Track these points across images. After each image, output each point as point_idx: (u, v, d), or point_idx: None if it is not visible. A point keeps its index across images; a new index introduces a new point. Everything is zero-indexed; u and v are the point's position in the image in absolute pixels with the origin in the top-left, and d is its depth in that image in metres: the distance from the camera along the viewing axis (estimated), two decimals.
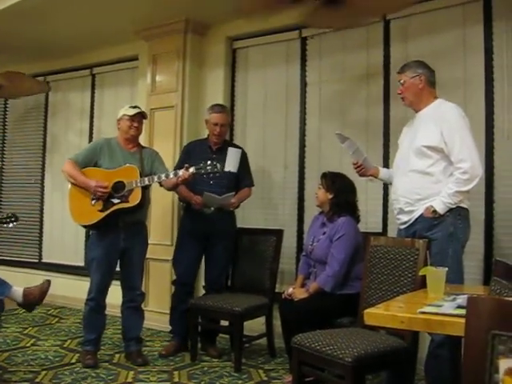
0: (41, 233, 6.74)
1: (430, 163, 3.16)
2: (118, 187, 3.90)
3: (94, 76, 6.42)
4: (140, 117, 4.12)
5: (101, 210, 3.90)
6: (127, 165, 3.98)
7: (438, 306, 2.12)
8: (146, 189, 3.98)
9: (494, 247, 3.85)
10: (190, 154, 4.41)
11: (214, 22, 5.25)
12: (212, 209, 4.29)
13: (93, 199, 3.93)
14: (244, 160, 4.47)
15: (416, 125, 3.33)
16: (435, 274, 2.51)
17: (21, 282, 5.89)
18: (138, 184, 3.86)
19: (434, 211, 3.10)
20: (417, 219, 3.22)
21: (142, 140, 5.09)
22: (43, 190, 6.73)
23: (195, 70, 5.33)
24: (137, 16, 5.12)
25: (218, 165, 3.82)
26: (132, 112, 4.07)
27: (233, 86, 5.39)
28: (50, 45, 5.96)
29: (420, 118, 3.32)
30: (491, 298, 1.53)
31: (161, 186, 4.14)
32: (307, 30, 4.84)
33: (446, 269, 2.52)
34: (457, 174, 3.06)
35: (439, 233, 3.11)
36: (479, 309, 1.34)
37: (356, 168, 3.62)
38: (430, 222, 3.14)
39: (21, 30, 5.49)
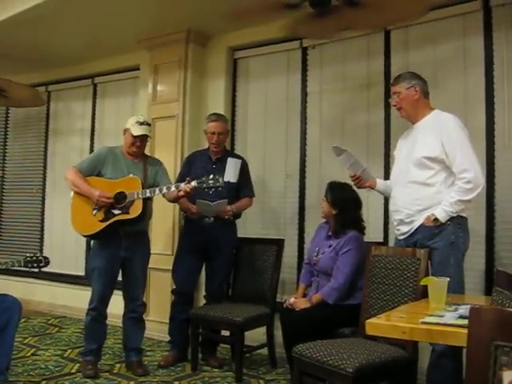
0: (41, 242, 6.73)
1: (430, 174, 3.16)
2: (120, 198, 3.90)
3: (95, 86, 6.44)
4: (144, 136, 4.11)
5: (101, 221, 3.90)
6: (130, 176, 3.98)
7: (440, 316, 2.12)
8: (148, 200, 3.98)
9: (495, 257, 3.84)
10: (191, 164, 4.41)
11: (215, 32, 5.27)
12: (212, 219, 4.27)
13: (94, 209, 3.93)
14: (244, 170, 4.45)
15: (413, 136, 3.33)
16: (437, 284, 2.51)
17: (21, 291, 5.91)
18: (140, 196, 3.86)
19: (436, 219, 3.10)
20: (417, 229, 3.22)
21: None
22: (44, 199, 6.73)
23: (196, 80, 5.35)
24: (139, 26, 5.15)
25: (221, 179, 3.79)
26: (136, 133, 4.02)
27: (234, 96, 5.40)
28: (52, 54, 5.99)
29: (417, 129, 3.31)
30: (493, 309, 1.52)
31: (164, 196, 4.14)
32: (308, 40, 4.86)
33: (448, 279, 2.52)
34: (460, 184, 3.06)
35: (441, 242, 3.11)
36: (482, 319, 1.33)
37: (354, 180, 3.63)
38: (430, 231, 3.14)
39: (23, 39, 5.51)
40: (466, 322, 1.51)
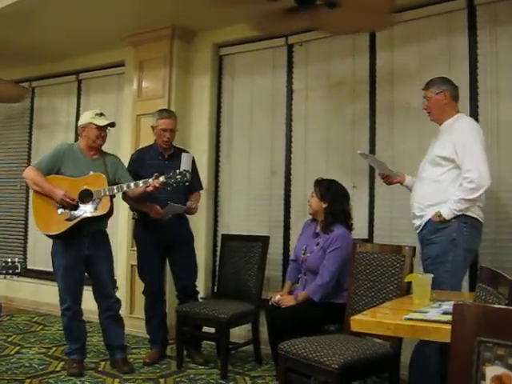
0: (25, 240, 6.68)
1: (441, 171, 3.28)
2: (85, 195, 3.83)
3: (80, 82, 6.39)
4: (111, 125, 4.05)
5: (68, 219, 3.83)
6: (95, 173, 3.91)
7: (424, 313, 2.13)
8: (112, 197, 3.96)
9: (478, 254, 3.86)
10: (142, 161, 4.31)
11: (200, 28, 5.26)
12: (170, 215, 4.24)
13: (59, 208, 3.84)
14: (194, 165, 4.40)
15: (436, 136, 3.44)
16: (421, 281, 2.53)
17: (5, 289, 5.86)
18: (107, 193, 3.82)
19: (440, 216, 3.18)
20: (425, 224, 3.30)
21: (129, 147, 5.11)
22: (28, 197, 6.66)
23: (182, 77, 5.33)
24: (124, 22, 5.11)
25: (188, 174, 3.84)
26: (102, 123, 3.97)
27: (219, 93, 5.39)
28: (36, 50, 5.93)
29: (441, 131, 3.41)
30: (477, 305, 1.54)
31: (124, 195, 4.09)
32: (293, 37, 4.87)
33: (432, 275, 2.55)
34: (463, 183, 3.15)
35: (442, 237, 3.19)
36: (465, 315, 1.34)
37: (383, 178, 3.75)
38: (435, 226, 3.22)
39: (6, 35, 5.44)
40: (449, 318, 1.52)
